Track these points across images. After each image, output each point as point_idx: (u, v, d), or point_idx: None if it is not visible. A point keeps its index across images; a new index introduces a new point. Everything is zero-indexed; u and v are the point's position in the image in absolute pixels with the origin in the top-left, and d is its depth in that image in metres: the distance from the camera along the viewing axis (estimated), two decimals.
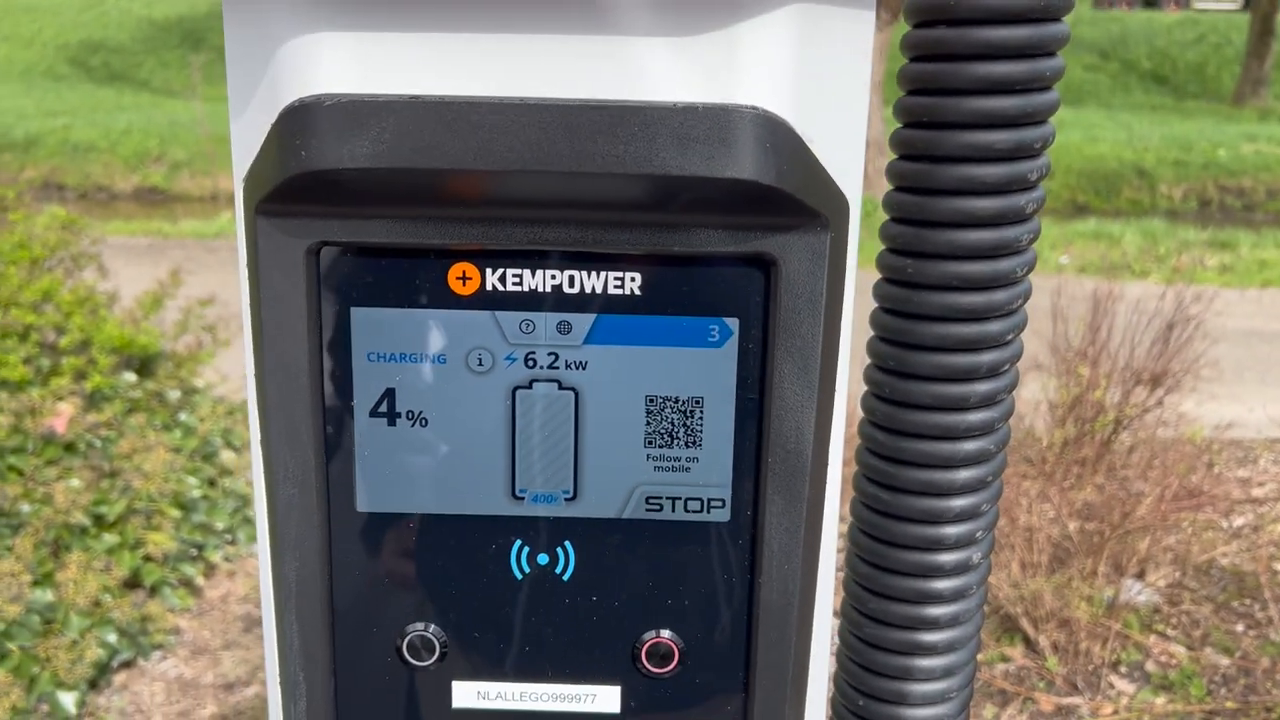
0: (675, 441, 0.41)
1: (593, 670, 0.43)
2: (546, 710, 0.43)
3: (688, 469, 0.41)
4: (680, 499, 0.41)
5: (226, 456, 3.08)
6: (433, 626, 0.42)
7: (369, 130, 0.35)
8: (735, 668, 0.43)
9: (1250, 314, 5.14)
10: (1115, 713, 2.34)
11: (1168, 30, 15.40)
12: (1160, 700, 2.37)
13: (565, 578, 0.42)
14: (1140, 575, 2.70)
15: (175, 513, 2.73)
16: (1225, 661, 2.50)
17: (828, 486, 0.42)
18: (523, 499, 0.41)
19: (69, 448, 2.68)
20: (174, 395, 3.12)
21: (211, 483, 2.97)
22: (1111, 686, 2.43)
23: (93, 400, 2.85)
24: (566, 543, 0.42)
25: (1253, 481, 3.40)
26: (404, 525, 0.42)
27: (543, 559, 0.42)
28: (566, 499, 0.41)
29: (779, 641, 0.42)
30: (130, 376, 3.04)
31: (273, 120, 0.37)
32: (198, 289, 3.50)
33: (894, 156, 0.39)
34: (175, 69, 15.29)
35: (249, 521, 2.96)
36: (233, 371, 3.46)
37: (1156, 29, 15.44)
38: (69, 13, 17.65)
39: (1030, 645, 2.52)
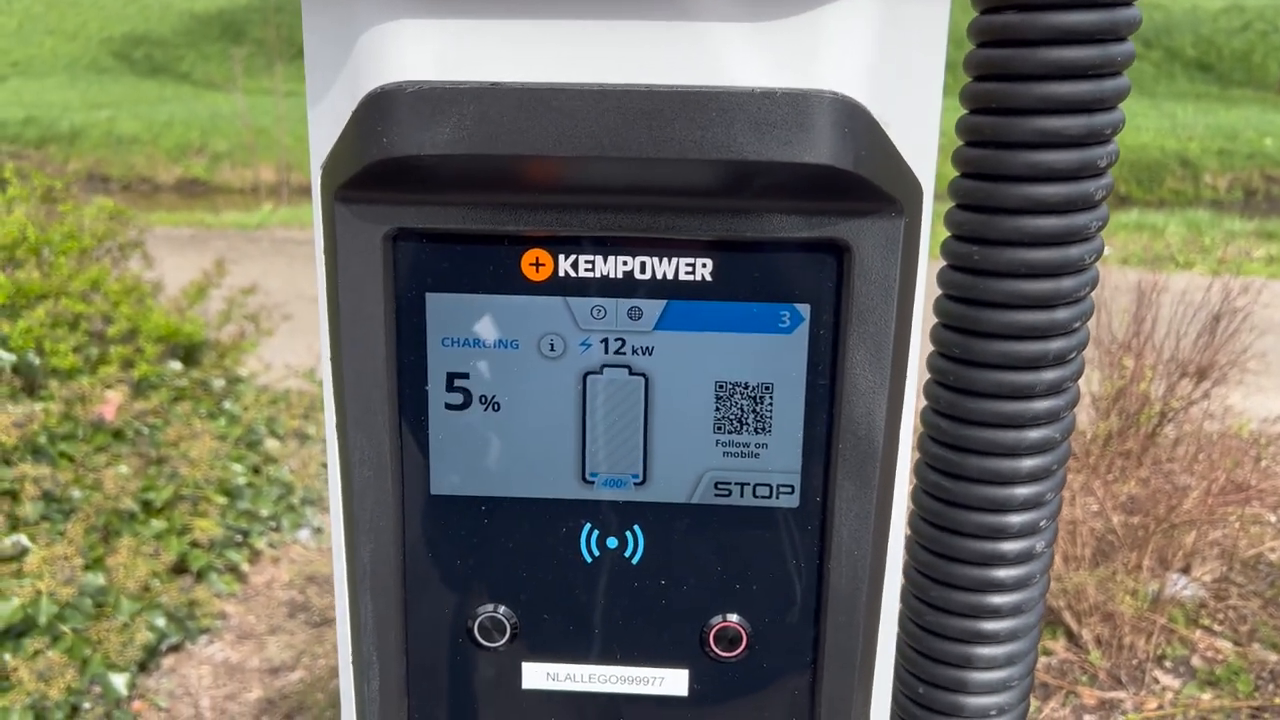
0: (745, 427, 0.41)
1: (661, 653, 0.43)
2: (615, 692, 0.44)
3: (757, 455, 0.41)
4: (749, 484, 0.41)
5: (270, 444, 3.11)
6: (503, 608, 0.43)
7: (450, 117, 0.36)
8: (803, 652, 0.43)
9: None
10: (1160, 708, 2.31)
11: (1213, 18, 15.12)
12: (1206, 696, 2.34)
13: (634, 561, 0.42)
14: (1186, 570, 2.67)
15: (221, 499, 2.77)
16: (1274, 657, 2.47)
17: (897, 472, 0.42)
18: (593, 483, 0.42)
19: (117, 435, 2.73)
20: (218, 384, 3.17)
21: (256, 470, 3.00)
22: (1156, 681, 2.40)
23: (140, 388, 2.90)
24: (636, 526, 0.42)
25: None
26: (476, 508, 0.42)
27: (612, 542, 0.42)
28: (636, 483, 0.42)
29: (848, 626, 0.42)
30: (176, 365, 3.08)
31: (353, 108, 0.37)
32: (240, 279, 3.54)
33: (960, 143, 0.38)
34: (216, 62, 15.44)
35: (293, 509, 2.99)
36: (275, 360, 3.50)
37: (1202, 17, 15.15)
38: (113, 6, 17.87)
39: (1073, 639, 2.49)
